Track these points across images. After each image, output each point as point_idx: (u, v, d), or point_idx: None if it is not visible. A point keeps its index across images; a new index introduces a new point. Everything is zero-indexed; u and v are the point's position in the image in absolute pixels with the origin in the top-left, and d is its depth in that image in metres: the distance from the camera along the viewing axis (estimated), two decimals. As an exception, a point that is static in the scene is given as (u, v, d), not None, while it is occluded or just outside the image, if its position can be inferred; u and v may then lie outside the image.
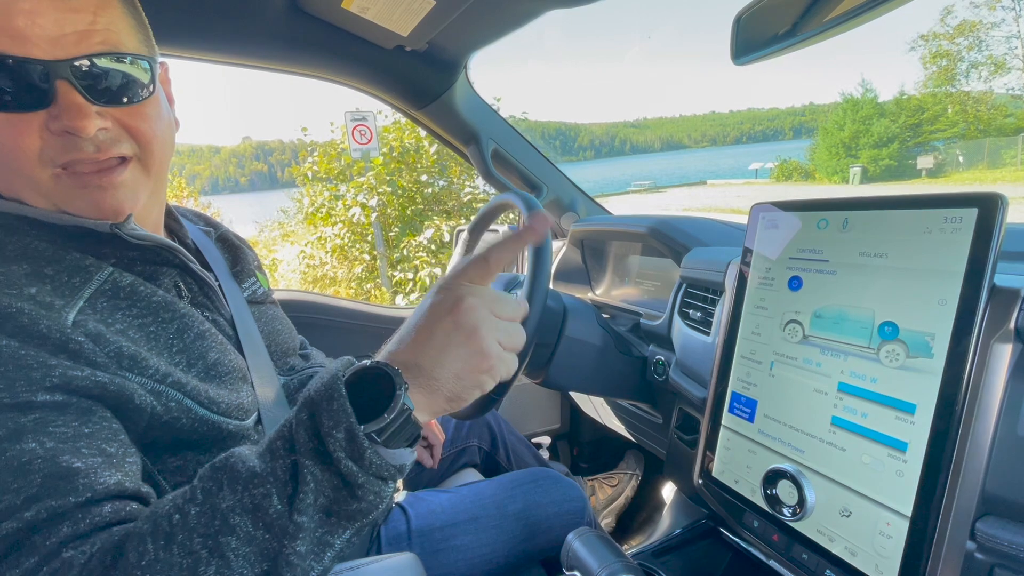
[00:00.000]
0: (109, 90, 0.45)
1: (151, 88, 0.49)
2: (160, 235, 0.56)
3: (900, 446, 0.47)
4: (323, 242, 5.16)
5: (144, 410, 0.45)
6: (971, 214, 0.45)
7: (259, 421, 0.58)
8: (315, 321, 1.30)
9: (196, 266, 0.57)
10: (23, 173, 0.44)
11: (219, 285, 0.61)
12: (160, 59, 0.53)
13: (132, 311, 0.48)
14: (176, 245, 0.54)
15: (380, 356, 0.42)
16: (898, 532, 0.46)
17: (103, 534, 0.36)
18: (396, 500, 0.77)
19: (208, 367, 0.52)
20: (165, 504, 0.37)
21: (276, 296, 0.77)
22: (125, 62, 0.45)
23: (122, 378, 0.43)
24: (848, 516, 0.50)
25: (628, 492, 1.36)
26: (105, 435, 0.41)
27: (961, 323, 0.44)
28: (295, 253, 5.57)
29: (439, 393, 0.40)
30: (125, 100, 0.46)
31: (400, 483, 0.83)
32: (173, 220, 0.63)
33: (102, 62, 0.44)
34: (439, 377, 0.40)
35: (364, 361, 0.39)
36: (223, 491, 0.36)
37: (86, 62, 0.43)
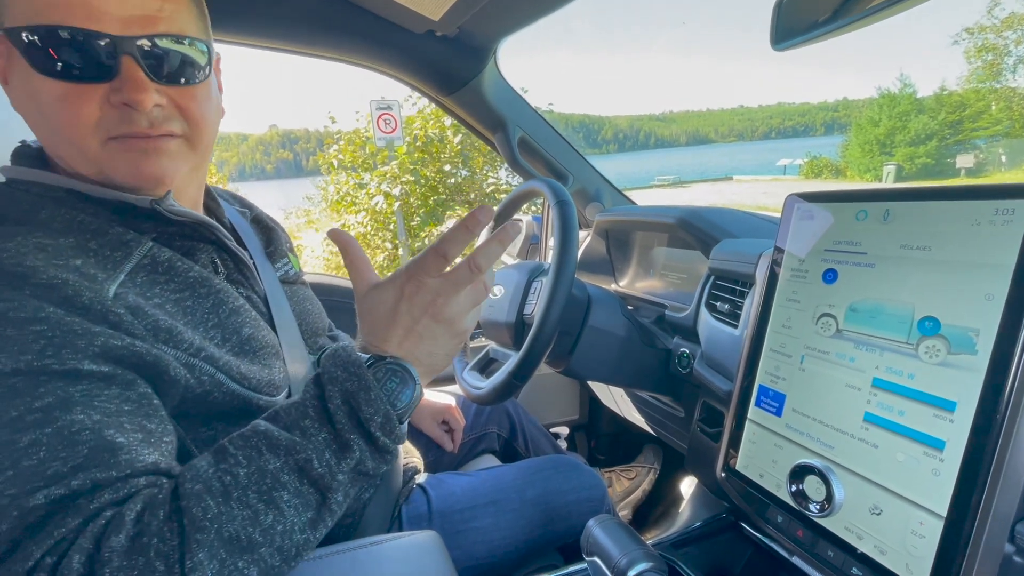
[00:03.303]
0: (169, 70, 0.48)
1: (206, 72, 0.52)
2: (198, 213, 0.57)
3: (937, 444, 0.45)
4: (346, 230, 5.22)
5: (178, 382, 0.46)
6: (1024, 206, 0.43)
7: (289, 397, 0.59)
8: (340, 305, 1.32)
9: (232, 243, 0.58)
10: (75, 142, 0.47)
11: (253, 263, 0.63)
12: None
13: (170, 286, 0.49)
14: (212, 222, 0.56)
15: (361, 344, 0.48)
16: (932, 532, 0.45)
17: (139, 498, 0.38)
18: (417, 481, 0.78)
19: (242, 342, 0.53)
20: (204, 468, 0.40)
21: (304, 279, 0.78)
22: (184, 45, 0.49)
23: (158, 350, 0.45)
24: (879, 514, 0.49)
25: (646, 485, 1.35)
26: (146, 411, 0.42)
27: (1009, 319, 0.42)
28: (319, 240, 5.66)
29: (424, 372, 0.48)
30: (182, 81, 0.49)
31: (421, 465, 0.84)
32: (212, 200, 0.64)
33: (164, 43, 0.47)
34: (425, 362, 0.48)
35: (379, 355, 0.46)
36: (264, 455, 0.40)
37: (148, 42, 0.46)
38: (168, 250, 0.51)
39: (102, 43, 0.44)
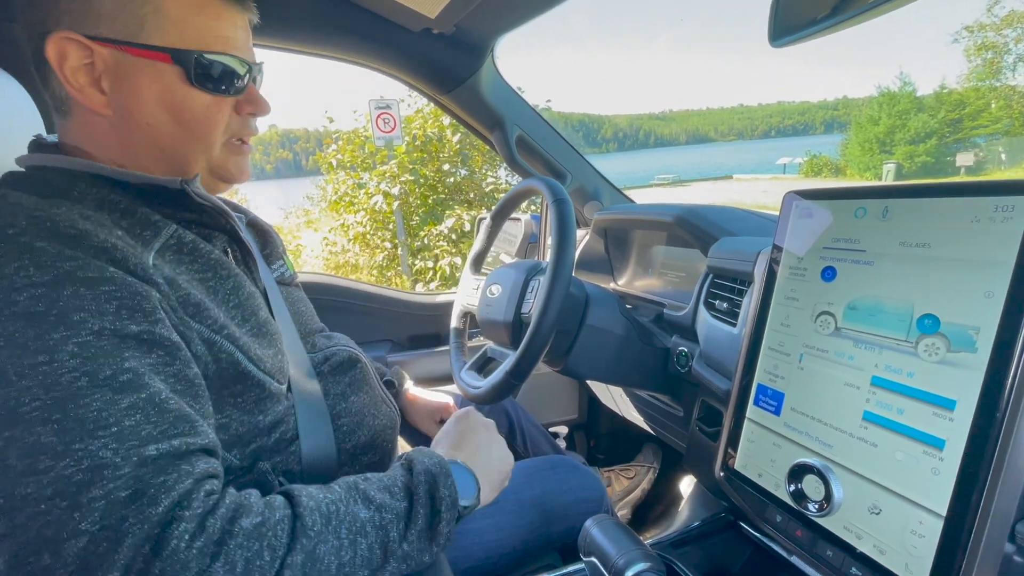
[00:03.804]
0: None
1: None
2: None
3: (937, 443, 0.45)
4: (346, 229, 5.21)
5: (199, 358, 0.48)
6: (1024, 202, 0.42)
7: (289, 389, 0.60)
8: (337, 304, 1.32)
9: (244, 233, 0.60)
10: (205, 139, 0.55)
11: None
12: None
13: (194, 265, 0.52)
14: (229, 210, 0.58)
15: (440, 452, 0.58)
16: (931, 531, 0.45)
17: (253, 492, 0.44)
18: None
19: (259, 324, 0.55)
20: (315, 491, 0.46)
21: (300, 279, 0.80)
22: (263, 70, 0.61)
23: (185, 324, 0.47)
24: (878, 514, 0.49)
25: (645, 485, 1.35)
26: (194, 391, 0.45)
27: (1009, 317, 0.41)
28: (319, 239, 5.65)
29: (483, 479, 0.57)
30: None
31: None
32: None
33: (262, 69, 0.59)
34: (483, 470, 0.58)
35: (455, 459, 0.56)
36: (358, 505, 0.46)
37: (259, 68, 0.58)
38: (190, 233, 0.53)
39: (246, 68, 0.55)
